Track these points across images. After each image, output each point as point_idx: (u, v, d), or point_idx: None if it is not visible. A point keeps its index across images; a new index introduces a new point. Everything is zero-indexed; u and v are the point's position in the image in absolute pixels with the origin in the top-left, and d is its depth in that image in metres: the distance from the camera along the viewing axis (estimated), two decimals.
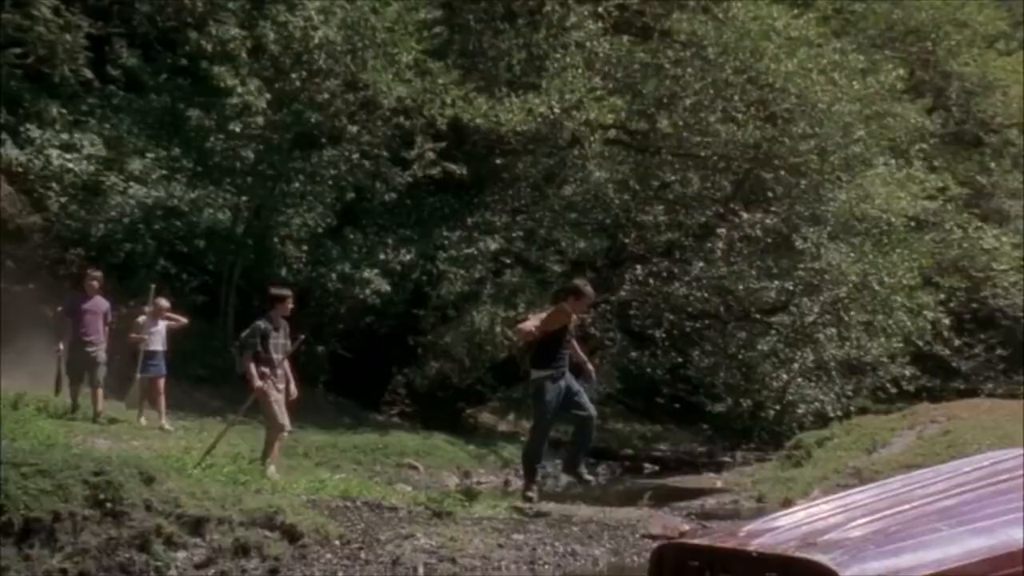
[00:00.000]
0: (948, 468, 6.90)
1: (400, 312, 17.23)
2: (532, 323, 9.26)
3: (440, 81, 15.62)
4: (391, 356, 18.01)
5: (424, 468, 15.03)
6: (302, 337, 11.33)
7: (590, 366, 9.85)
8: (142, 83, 17.22)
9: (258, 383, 9.73)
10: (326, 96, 15.88)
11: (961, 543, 5.55)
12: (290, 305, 10.22)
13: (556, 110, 15.60)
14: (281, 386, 10.00)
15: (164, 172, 15.92)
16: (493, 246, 16.77)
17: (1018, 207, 23.36)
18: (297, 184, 16.57)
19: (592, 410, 9.30)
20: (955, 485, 6.22)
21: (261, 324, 9.95)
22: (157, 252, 16.03)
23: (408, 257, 16.59)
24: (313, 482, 9.47)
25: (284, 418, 9.95)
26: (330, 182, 16.34)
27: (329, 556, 7.68)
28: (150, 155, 15.97)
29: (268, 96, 15.59)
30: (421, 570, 7.74)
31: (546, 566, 7.89)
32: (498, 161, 17.70)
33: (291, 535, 7.66)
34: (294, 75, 15.75)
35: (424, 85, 15.61)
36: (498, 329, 16.24)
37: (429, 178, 16.58)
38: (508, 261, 17.07)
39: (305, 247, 16.58)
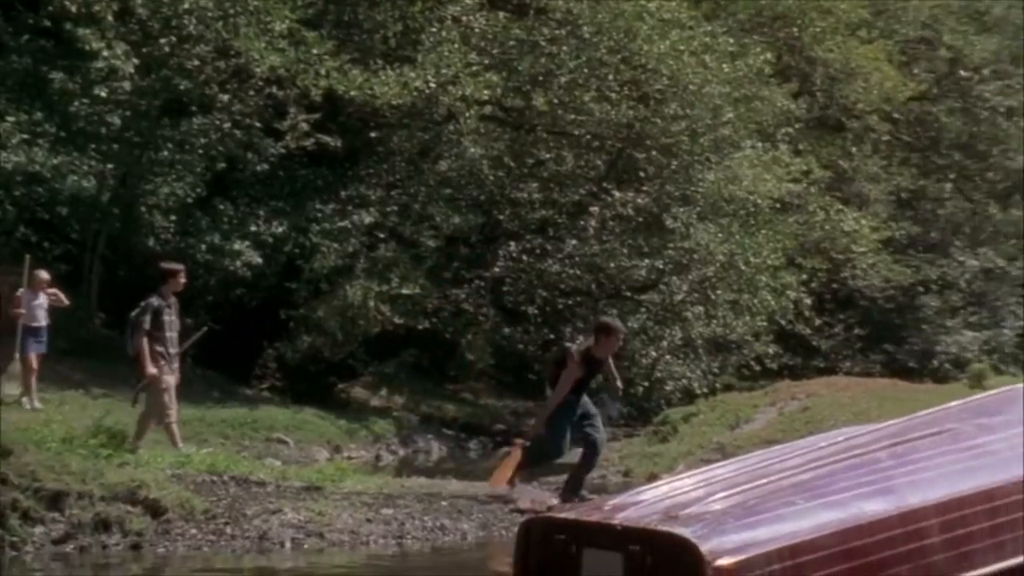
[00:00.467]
0: (804, 444, 7.15)
1: (271, 285, 17.00)
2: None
3: (314, 51, 15.40)
4: (262, 329, 17.77)
5: (294, 443, 14.91)
6: (204, 329, 11.09)
7: (618, 383, 9.91)
8: (2, 44, 16.57)
9: (152, 370, 9.47)
10: (196, 63, 15.52)
11: (814, 516, 5.77)
12: (182, 280, 9.94)
13: (432, 84, 15.53)
14: (175, 366, 9.76)
15: (25, 136, 15.36)
16: (367, 220, 16.65)
17: (877, 191, 24.17)
18: (165, 152, 16.18)
19: (603, 435, 9.42)
20: (810, 460, 6.45)
21: (154, 301, 9.63)
22: (17, 219, 15.51)
23: (280, 229, 16.37)
24: (178, 456, 9.31)
25: (172, 408, 9.70)
26: (200, 151, 16.00)
27: (194, 531, 7.58)
28: (10, 119, 15.39)
29: (136, 61, 15.17)
30: (288, 545, 7.69)
31: (415, 541, 7.92)
32: (373, 134, 17.55)
33: (154, 510, 7.54)
34: (163, 40, 15.35)
35: (298, 55, 15.37)
36: (371, 303, 16.17)
37: (303, 150, 16.36)
38: (382, 235, 16.97)
39: (173, 217, 16.22)
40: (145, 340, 9.45)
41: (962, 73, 25.65)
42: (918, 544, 5.90)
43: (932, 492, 6.08)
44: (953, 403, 7.35)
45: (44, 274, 12.36)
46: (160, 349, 9.53)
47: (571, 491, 9.01)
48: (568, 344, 9.97)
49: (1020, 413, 7.02)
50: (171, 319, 9.65)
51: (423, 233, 17.36)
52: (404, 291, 16.29)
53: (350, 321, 16.43)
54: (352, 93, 15.56)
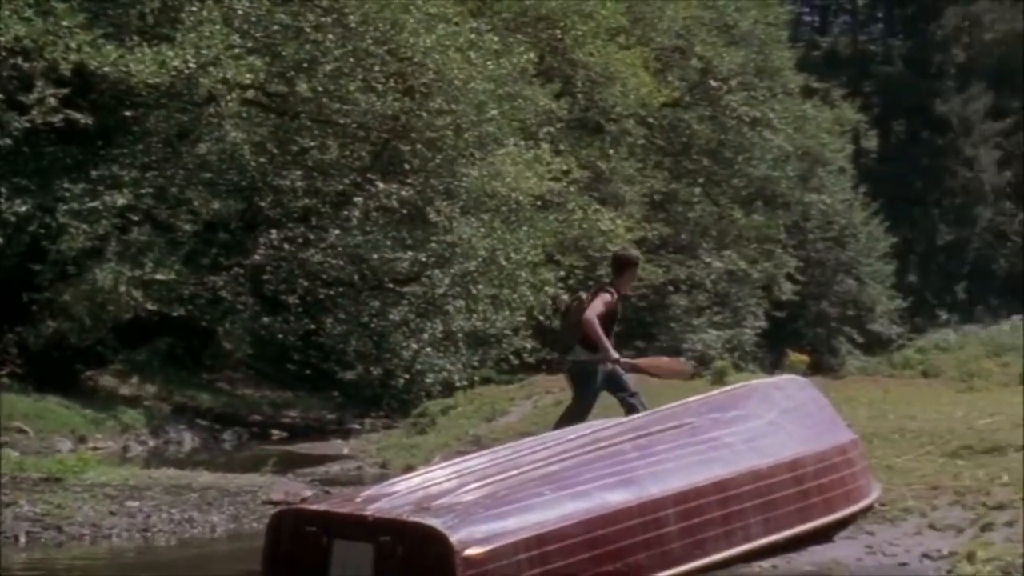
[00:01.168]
0: (553, 436, 7.40)
1: (14, 266, 16.09)
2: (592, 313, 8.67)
3: (64, 23, 14.64)
4: (2, 313, 16.82)
5: (34, 432, 14.24)
6: None
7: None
8: None
9: None
10: None
11: (560, 507, 5.99)
12: None
13: (191, 65, 15.04)
14: None
15: None
16: (120, 201, 15.98)
17: (632, 192, 25.06)
18: None
19: (640, 396, 8.99)
20: (559, 452, 6.69)
21: None
22: None
23: (24, 208, 15.50)
24: None
25: None
26: None
27: None
28: None
29: None
30: (23, 539, 7.34)
31: (161, 533, 7.69)
32: (128, 113, 16.85)
33: None
34: None
35: (46, 26, 14.57)
36: (123, 288, 15.55)
37: (50, 126, 15.51)
38: (136, 218, 16.32)
39: None
40: None
41: (712, 83, 26.91)
42: (656, 533, 6.21)
43: (671, 483, 6.41)
44: (692, 398, 7.76)
45: None
46: None
47: None
48: (581, 293, 9.43)
49: (753, 408, 7.48)
50: None
51: (180, 217, 16.81)
52: (158, 276, 15.75)
53: (99, 306, 15.75)
54: (105, 69, 14.89)
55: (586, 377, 8.98)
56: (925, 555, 6.87)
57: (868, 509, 7.53)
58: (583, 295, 9.25)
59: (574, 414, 8.88)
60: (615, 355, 8.78)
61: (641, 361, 8.57)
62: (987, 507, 7.34)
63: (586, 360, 8.94)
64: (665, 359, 8.34)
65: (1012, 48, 43.25)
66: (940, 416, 10.17)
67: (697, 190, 28.15)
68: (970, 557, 6.29)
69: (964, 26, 42.03)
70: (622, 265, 9.22)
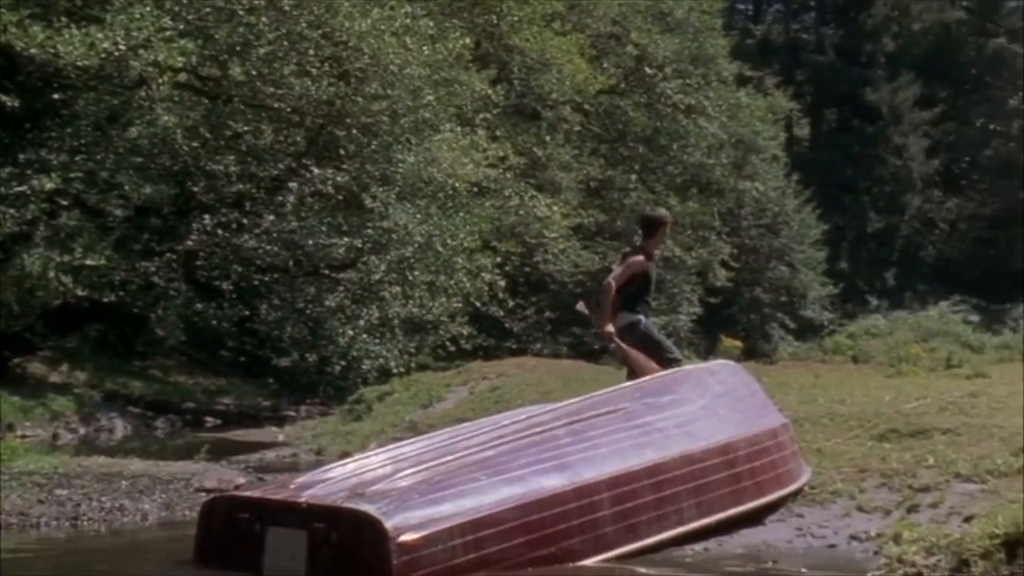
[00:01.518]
0: (488, 422, 7.43)
1: None
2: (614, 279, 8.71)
3: None
4: None
5: None
6: None
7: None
8: None
9: None
10: None
11: (496, 492, 6.02)
12: None
13: (121, 47, 14.77)
14: None
15: None
16: (49, 186, 15.68)
17: (569, 179, 25.12)
18: None
19: (679, 353, 8.95)
20: (494, 438, 6.71)
21: None
22: None
23: None
24: None
25: None
26: None
27: None
28: None
29: None
30: None
31: (91, 522, 7.60)
32: (56, 96, 16.52)
33: None
34: None
35: None
36: (52, 274, 15.29)
37: None
38: (65, 203, 16.04)
39: None
40: None
41: (647, 70, 27.01)
42: (591, 517, 6.26)
43: (605, 468, 6.47)
44: (626, 384, 7.82)
45: None
46: None
47: None
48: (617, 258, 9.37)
49: (686, 393, 7.56)
50: None
51: (111, 202, 16.55)
52: (88, 262, 15.49)
53: (28, 292, 15.48)
54: (32, 51, 14.59)
55: (639, 335, 8.84)
56: (853, 537, 7.00)
57: (798, 492, 7.65)
58: (616, 263, 9.24)
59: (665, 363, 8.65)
60: (610, 329, 8.68)
61: (631, 353, 8.59)
62: (913, 489, 7.49)
63: (626, 323, 8.81)
64: (653, 364, 8.39)
65: (940, 38, 44.02)
66: (869, 400, 10.35)
67: (633, 177, 28.29)
68: (896, 538, 6.41)
69: (893, 15, 42.65)
70: (652, 226, 9.19)
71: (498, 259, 20.98)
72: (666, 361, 8.66)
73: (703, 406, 7.36)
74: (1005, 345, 26.11)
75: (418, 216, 18.45)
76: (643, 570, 6.20)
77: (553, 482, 6.22)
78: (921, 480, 7.62)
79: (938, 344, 25.90)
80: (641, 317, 8.84)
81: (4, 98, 15.18)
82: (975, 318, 34.81)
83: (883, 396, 10.54)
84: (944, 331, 30.63)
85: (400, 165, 18.15)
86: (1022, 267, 37.71)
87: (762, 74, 36.18)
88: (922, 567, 5.71)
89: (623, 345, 8.67)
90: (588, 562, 6.14)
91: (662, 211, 10.13)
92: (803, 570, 6.48)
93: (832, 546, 6.96)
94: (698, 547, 6.77)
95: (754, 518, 7.22)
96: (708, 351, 25.65)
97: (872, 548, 6.72)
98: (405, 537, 5.51)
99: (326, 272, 19.18)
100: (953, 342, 27.02)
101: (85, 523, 7.56)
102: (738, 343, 23.75)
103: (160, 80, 15.45)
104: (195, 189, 18.37)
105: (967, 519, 6.72)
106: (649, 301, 9.02)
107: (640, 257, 8.98)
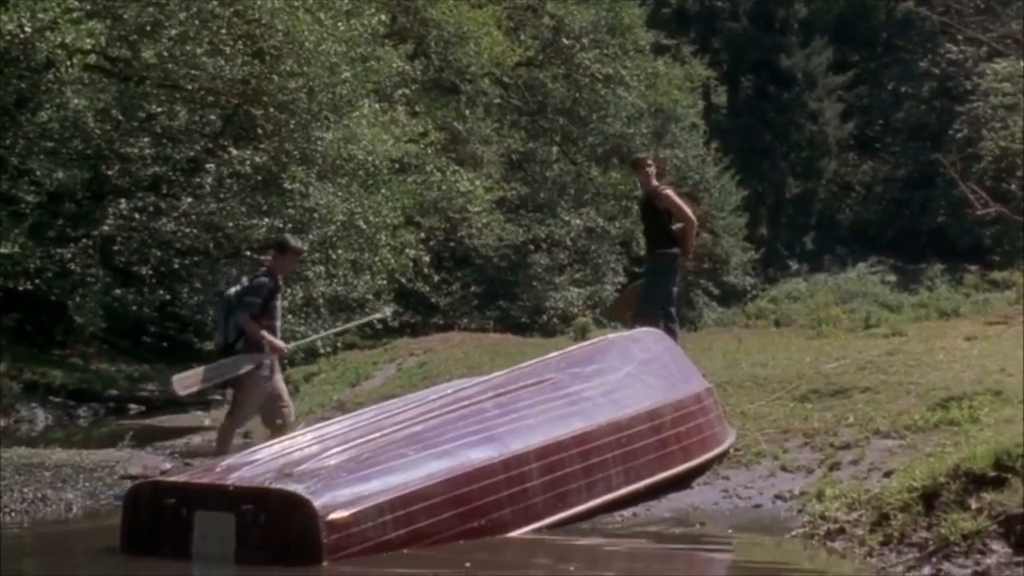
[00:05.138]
0: (415, 397, 7.43)
1: None
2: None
3: None
4: None
5: None
6: None
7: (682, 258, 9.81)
8: None
9: None
10: None
11: (424, 466, 6.03)
12: None
13: (27, 29, 14.42)
14: None
15: None
16: None
17: (490, 153, 25.08)
18: None
19: (652, 308, 9.44)
20: (421, 413, 6.71)
21: None
22: None
23: None
24: None
25: None
26: None
27: None
28: None
29: None
30: None
31: (12, 513, 7.45)
32: None
33: None
34: None
35: None
36: None
37: None
38: None
39: None
40: None
41: (564, 41, 26.98)
42: (520, 488, 6.30)
43: (532, 438, 6.50)
44: (552, 354, 7.86)
45: None
46: None
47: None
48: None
49: (611, 361, 7.63)
50: None
51: (22, 188, 16.19)
52: (1, 250, 15.17)
53: None
54: None
55: (667, 268, 9.60)
56: (778, 496, 7.14)
57: (724, 455, 7.77)
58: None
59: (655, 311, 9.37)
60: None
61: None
62: (834, 447, 7.66)
63: (668, 252, 9.63)
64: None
65: (851, 2, 44.60)
66: (790, 363, 10.53)
67: (554, 149, 28.32)
68: (819, 496, 6.55)
69: None
70: (636, 166, 10.19)
71: (422, 235, 20.93)
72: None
73: (628, 374, 7.43)
74: (921, 303, 26.69)
75: (339, 194, 18.31)
76: (573, 539, 6.25)
77: (481, 454, 6.25)
78: (842, 438, 7.79)
79: (857, 305, 26.41)
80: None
81: None
82: (892, 278, 35.57)
83: (804, 358, 10.73)
84: (863, 292, 31.24)
85: (319, 143, 17.99)
86: (936, 227, 38.54)
87: (678, 42, 36.34)
88: (844, 522, 5.84)
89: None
90: (518, 532, 6.18)
91: (640, 154, 11.08)
92: (729, 531, 6.59)
93: (757, 506, 7.09)
94: (627, 513, 6.85)
95: (681, 482, 7.33)
96: (633, 320, 25.79)
97: (796, 506, 6.86)
98: (335, 515, 5.50)
99: (248, 253, 18.96)
100: (871, 302, 27.59)
101: (7, 515, 7.42)
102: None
103: (68, 62, 15.10)
104: (109, 173, 18.04)
105: (887, 474, 6.89)
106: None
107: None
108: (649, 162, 9.98)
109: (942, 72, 40.00)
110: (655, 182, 9.81)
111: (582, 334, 16.02)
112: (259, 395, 8.44)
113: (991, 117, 33.07)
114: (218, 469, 6.06)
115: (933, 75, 41.27)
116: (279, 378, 8.67)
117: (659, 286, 9.53)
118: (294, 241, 9.38)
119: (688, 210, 9.74)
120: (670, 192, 9.84)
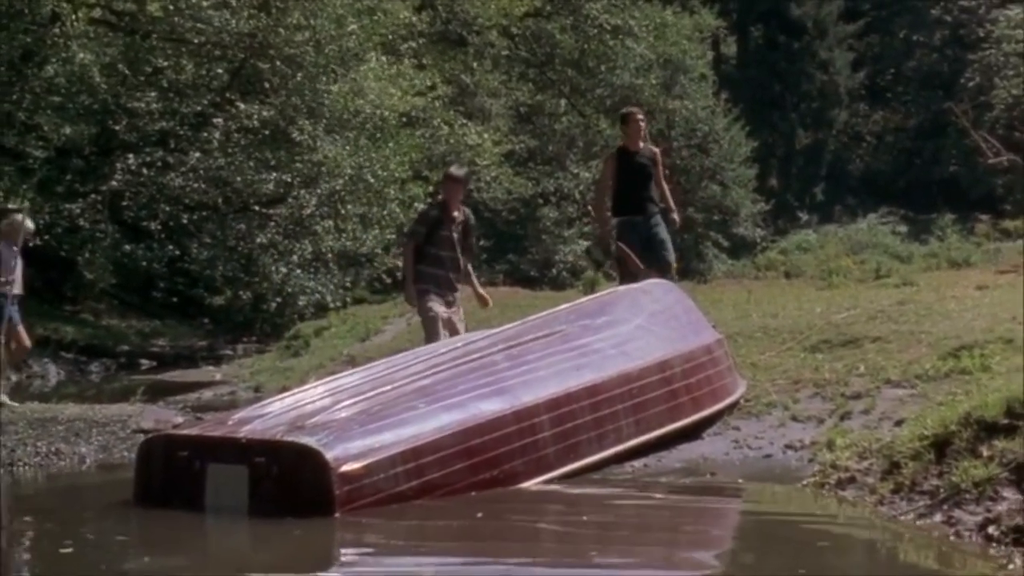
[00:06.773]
0: (425, 350, 7.43)
1: None
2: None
3: None
4: None
5: None
6: None
7: (674, 215, 9.67)
8: None
9: None
10: None
11: (435, 419, 6.03)
12: None
13: None
14: None
15: None
16: None
17: (498, 106, 24.96)
18: None
19: (672, 259, 9.37)
20: (432, 366, 6.71)
21: None
22: None
23: None
24: None
25: None
26: None
27: None
28: None
29: None
30: None
31: (27, 467, 7.51)
32: None
33: None
34: None
35: None
36: None
37: None
38: None
39: None
40: None
41: None
42: (531, 439, 6.30)
43: (543, 390, 6.50)
44: (562, 306, 7.85)
45: (26, 222, 10.47)
46: None
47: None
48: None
49: (622, 313, 7.61)
50: None
51: (30, 143, 16.19)
52: (10, 206, 15.16)
53: None
54: None
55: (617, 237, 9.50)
56: (788, 446, 7.15)
57: (734, 405, 7.77)
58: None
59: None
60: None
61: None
62: (845, 397, 7.65)
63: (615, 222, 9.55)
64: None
65: None
66: (801, 313, 10.50)
67: (563, 101, 28.17)
68: (830, 445, 6.55)
69: None
70: (624, 121, 9.88)
71: (430, 188, 20.87)
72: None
73: (638, 325, 7.41)
74: (932, 253, 26.61)
75: (347, 148, 18.26)
76: (584, 489, 6.27)
77: (492, 406, 6.25)
78: (853, 388, 7.78)
79: (867, 256, 26.34)
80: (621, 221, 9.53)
81: None
82: (903, 229, 35.42)
83: (815, 308, 10.70)
84: (873, 243, 31.15)
85: (326, 96, 17.92)
86: (947, 177, 38.31)
87: None
88: (855, 471, 5.84)
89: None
90: (529, 484, 6.19)
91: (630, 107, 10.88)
92: (740, 480, 6.61)
93: (768, 456, 7.10)
94: (638, 463, 6.86)
95: (692, 433, 7.33)
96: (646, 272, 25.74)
97: (807, 456, 6.87)
98: (346, 467, 5.51)
99: (256, 208, 18.96)
100: (882, 253, 27.51)
101: (21, 468, 7.48)
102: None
103: (74, 16, 15.06)
104: (117, 128, 18.00)
105: (898, 423, 6.89)
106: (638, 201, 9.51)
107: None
108: (640, 116, 9.76)
109: (954, 20, 39.59)
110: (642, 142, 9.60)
111: (591, 288, 16.02)
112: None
113: (1003, 65, 32.77)
114: (230, 422, 6.07)
115: (945, 23, 40.85)
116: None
117: (668, 239, 9.47)
118: (455, 169, 9.50)
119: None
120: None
